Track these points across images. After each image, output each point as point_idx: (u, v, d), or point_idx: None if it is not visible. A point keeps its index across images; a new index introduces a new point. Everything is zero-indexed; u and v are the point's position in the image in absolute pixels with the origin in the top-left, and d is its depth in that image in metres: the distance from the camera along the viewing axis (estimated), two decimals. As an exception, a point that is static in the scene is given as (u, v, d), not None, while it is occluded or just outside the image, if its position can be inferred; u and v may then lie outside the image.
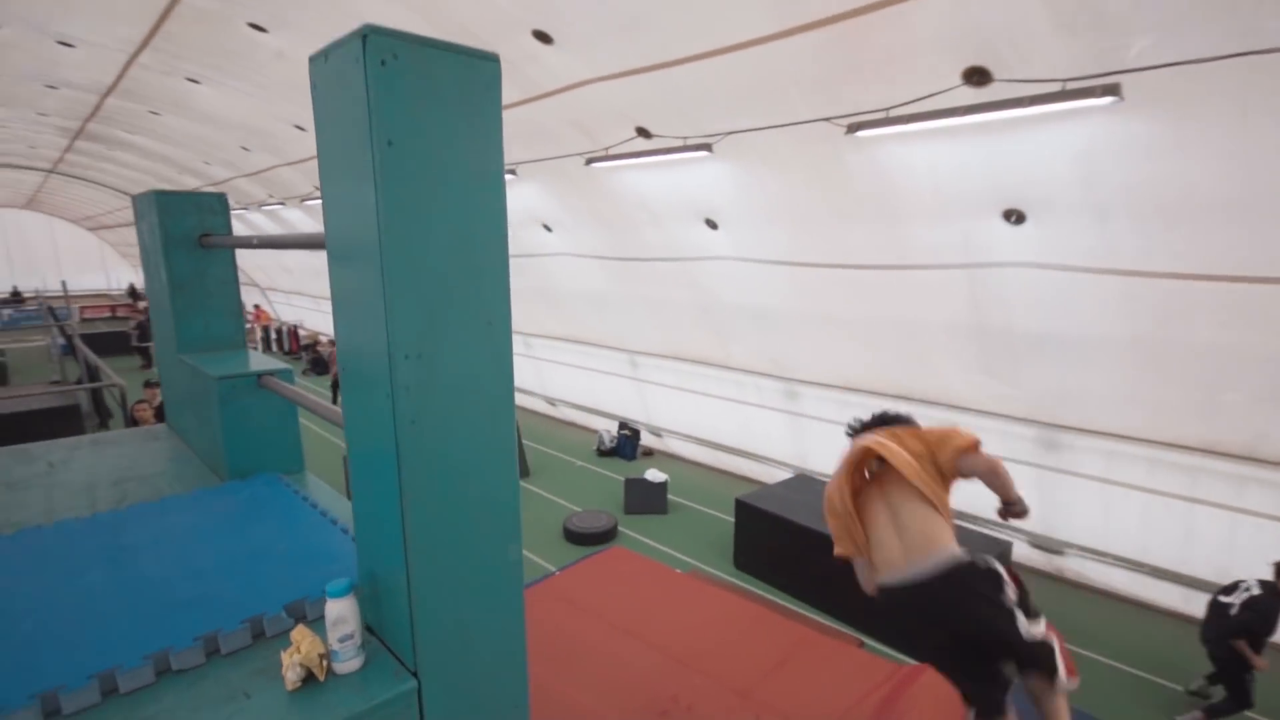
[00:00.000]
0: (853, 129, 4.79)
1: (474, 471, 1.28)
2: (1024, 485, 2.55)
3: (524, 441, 10.79)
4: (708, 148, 5.92)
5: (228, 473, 2.21)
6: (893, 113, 4.58)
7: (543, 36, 5.36)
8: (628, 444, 11.52)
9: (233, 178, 13.85)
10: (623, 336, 10.48)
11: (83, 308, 28.61)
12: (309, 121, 9.24)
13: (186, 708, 1.21)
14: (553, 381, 13.03)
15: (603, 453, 11.55)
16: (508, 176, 8.00)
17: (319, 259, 16.53)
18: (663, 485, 9.06)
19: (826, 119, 4.98)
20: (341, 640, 1.29)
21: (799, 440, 8.88)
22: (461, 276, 1.22)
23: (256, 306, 24.60)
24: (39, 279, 30.53)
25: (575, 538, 8.08)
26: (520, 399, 14.07)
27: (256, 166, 12.21)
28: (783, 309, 7.63)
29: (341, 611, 1.28)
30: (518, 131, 7.08)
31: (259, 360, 2.48)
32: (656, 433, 11.29)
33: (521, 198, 8.76)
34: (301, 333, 21.20)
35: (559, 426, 13.05)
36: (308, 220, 14.68)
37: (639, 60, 5.32)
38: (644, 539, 8.25)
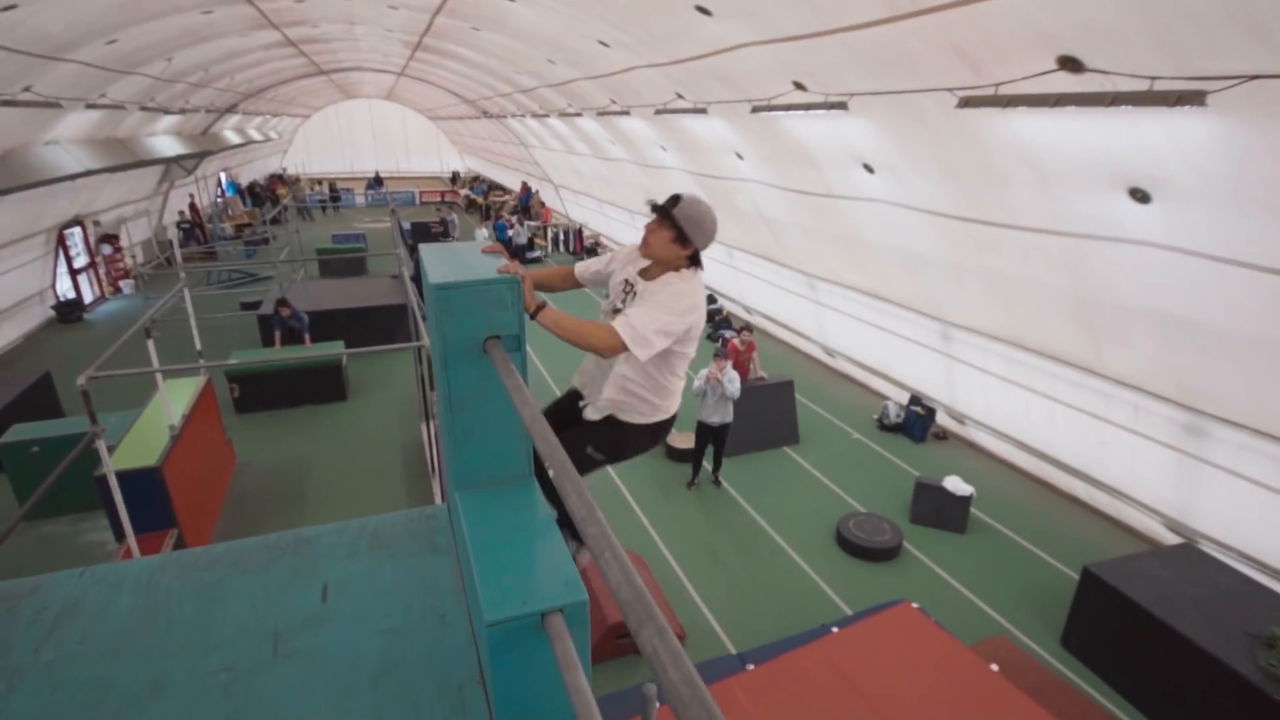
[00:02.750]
0: None
1: None
2: None
3: (796, 396, 9.65)
4: (1197, 98, 3.67)
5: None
6: None
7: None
8: (918, 423, 9.78)
9: (537, 87, 14.04)
10: (940, 304, 8.48)
11: (422, 190, 34.01)
12: (612, 39, 8.44)
13: None
14: (834, 331, 11.48)
15: (885, 427, 9.99)
16: (837, 111, 6.35)
17: (608, 167, 16.93)
18: (966, 500, 7.38)
19: None
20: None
21: (1188, 488, 6.41)
22: None
23: (543, 205, 26.30)
24: (393, 161, 37.35)
25: (851, 548, 6.98)
26: (794, 340, 12.82)
27: (560, 79, 12.04)
28: (1226, 323, 5.11)
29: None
30: (868, 56, 5.35)
31: (552, 559, 1.63)
32: (959, 419, 9.33)
33: (846, 133, 7.04)
34: (585, 233, 22.14)
35: (834, 380, 11.62)
36: (600, 130, 14.48)
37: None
38: (934, 566, 6.83)
